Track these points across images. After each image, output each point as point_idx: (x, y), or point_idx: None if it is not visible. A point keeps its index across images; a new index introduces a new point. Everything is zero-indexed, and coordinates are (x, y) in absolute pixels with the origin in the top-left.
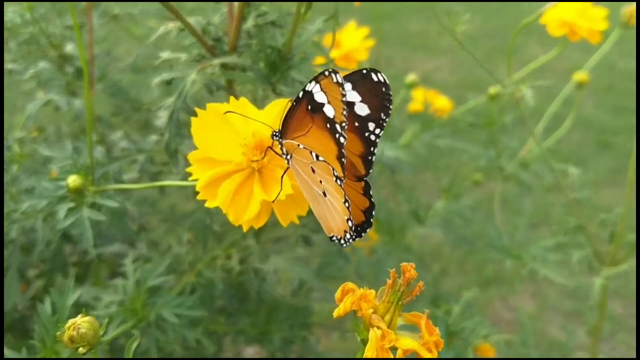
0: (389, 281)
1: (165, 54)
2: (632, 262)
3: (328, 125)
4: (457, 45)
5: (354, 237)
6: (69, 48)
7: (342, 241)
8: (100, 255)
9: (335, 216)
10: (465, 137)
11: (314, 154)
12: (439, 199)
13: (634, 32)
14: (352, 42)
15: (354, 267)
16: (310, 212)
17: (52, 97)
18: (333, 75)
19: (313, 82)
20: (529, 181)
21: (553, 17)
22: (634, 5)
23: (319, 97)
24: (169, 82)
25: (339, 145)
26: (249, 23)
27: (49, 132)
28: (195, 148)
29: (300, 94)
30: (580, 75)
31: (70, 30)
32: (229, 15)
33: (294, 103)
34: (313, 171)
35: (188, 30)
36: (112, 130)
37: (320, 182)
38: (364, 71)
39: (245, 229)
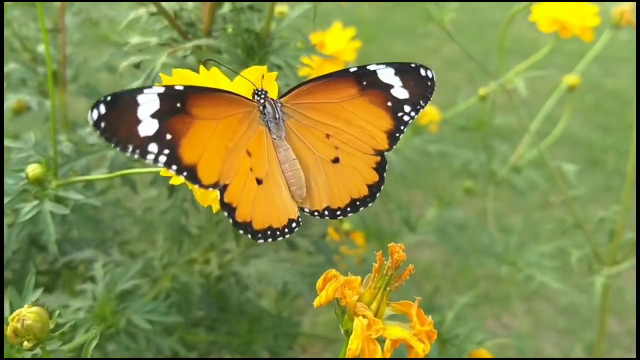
0: (376, 265)
1: (134, 39)
2: (633, 260)
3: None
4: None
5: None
6: (41, 48)
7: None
8: (71, 263)
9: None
10: (455, 142)
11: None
12: (430, 209)
13: (617, 52)
14: (338, 44)
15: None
16: None
17: (22, 97)
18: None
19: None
20: (522, 186)
21: (543, 15)
22: (624, 5)
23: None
24: (137, 66)
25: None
26: (225, 7)
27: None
28: None
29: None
30: (570, 79)
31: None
32: None
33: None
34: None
35: (160, 12)
36: (81, 127)
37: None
38: (412, 65)
39: (214, 209)
